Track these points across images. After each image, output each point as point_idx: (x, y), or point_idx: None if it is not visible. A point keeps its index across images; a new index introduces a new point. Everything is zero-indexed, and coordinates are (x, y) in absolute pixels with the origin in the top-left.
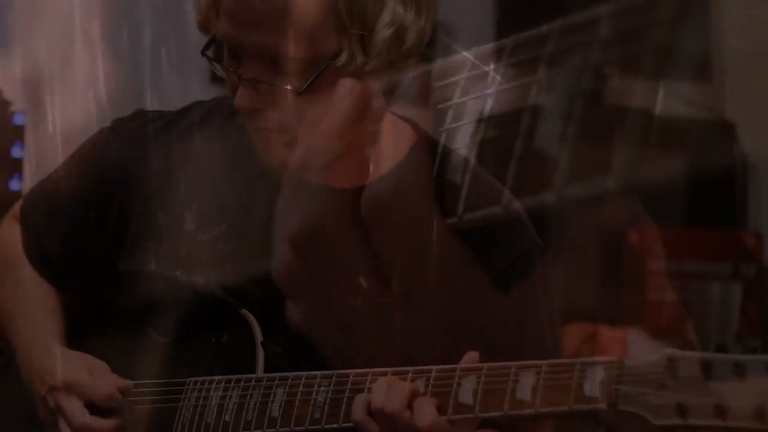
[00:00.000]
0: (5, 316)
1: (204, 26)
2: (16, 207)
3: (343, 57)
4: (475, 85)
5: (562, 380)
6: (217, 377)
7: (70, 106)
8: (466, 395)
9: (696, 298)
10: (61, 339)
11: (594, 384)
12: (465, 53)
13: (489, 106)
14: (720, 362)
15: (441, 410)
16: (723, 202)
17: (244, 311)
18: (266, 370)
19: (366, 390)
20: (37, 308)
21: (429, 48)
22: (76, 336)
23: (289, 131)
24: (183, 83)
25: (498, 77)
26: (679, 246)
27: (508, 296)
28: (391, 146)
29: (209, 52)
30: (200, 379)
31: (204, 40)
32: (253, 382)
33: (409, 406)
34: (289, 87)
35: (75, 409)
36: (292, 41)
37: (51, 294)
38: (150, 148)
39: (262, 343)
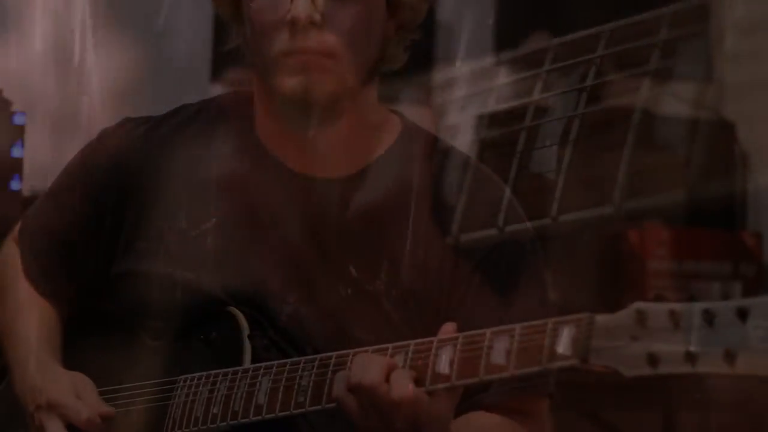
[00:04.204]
0: (3, 334)
1: None
2: (15, 230)
3: None
4: (475, 93)
5: (535, 341)
6: (205, 373)
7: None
8: (443, 365)
9: (696, 298)
10: (57, 357)
11: (566, 342)
12: (466, 63)
13: (489, 111)
14: (688, 310)
15: (419, 382)
16: (723, 202)
17: (232, 308)
18: (254, 363)
19: (347, 369)
20: (34, 327)
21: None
22: (69, 342)
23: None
24: (184, 82)
25: (498, 87)
26: (679, 246)
27: (497, 282)
28: (378, 136)
29: None
30: (190, 376)
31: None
32: (240, 374)
33: (388, 380)
34: None
35: (54, 429)
36: None
37: (49, 312)
38: (138, 152)
39: (249, 336)
